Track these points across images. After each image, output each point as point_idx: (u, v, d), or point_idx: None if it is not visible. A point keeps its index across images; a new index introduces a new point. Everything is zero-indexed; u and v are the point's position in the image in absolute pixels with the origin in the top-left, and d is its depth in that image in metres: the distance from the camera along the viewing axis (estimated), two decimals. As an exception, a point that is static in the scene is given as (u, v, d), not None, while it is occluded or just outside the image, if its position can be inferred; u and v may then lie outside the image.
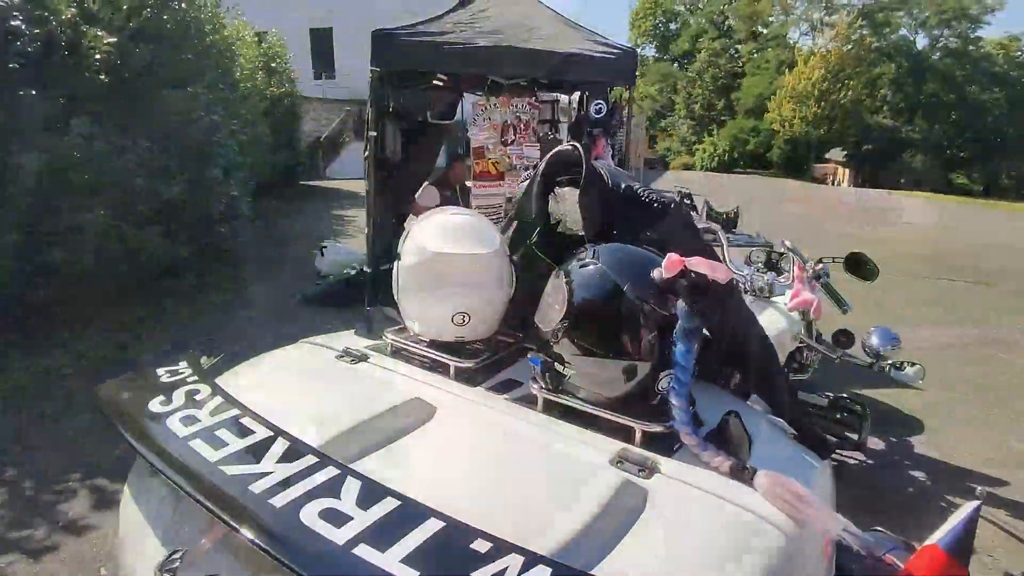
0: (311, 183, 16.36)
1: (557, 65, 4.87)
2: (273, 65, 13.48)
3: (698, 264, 1.01)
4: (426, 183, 5.93)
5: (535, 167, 1.53)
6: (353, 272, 5.91)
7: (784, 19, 41.31)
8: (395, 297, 1.46)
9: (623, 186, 1.36)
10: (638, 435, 1.07)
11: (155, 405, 1.12)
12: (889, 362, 2.68)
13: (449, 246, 1.31)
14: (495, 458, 1.03)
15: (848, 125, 36.21)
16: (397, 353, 1.45)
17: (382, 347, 1.50)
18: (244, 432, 1.03)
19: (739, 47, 42.93)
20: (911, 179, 36.06)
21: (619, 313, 1.08)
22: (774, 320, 2.87)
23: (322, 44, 24.02)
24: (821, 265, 2.67)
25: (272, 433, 1.01)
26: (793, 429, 1.28)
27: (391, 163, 5.69)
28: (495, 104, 5.03)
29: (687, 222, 1.37)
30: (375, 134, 4.83)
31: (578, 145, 1.39)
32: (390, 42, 4.66)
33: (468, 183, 5.30)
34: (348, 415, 1.11)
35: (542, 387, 1.18)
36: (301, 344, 1.60)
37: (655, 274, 1.08)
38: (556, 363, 1.16)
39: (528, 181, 1.54)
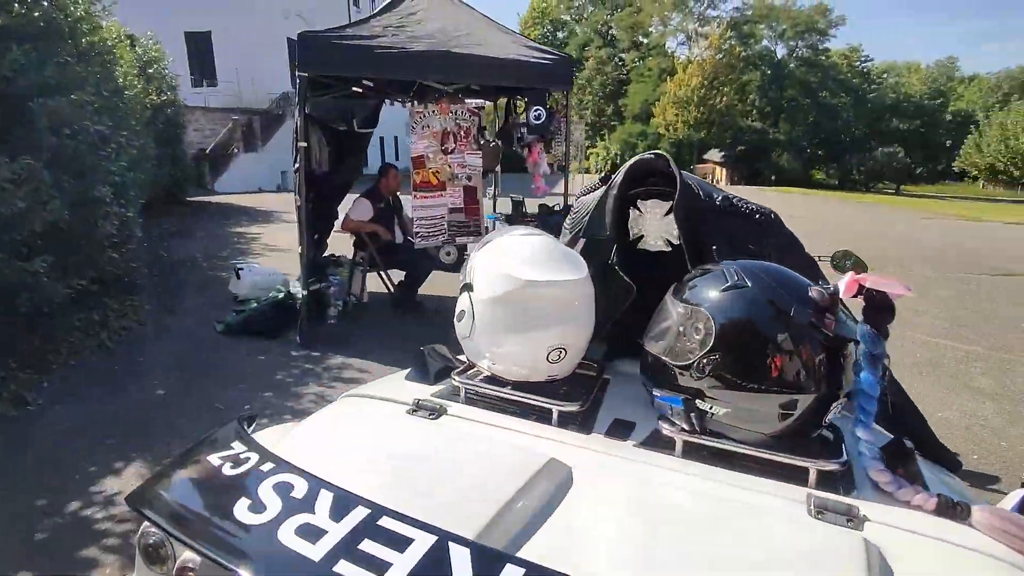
0: (199, 199, 15.04)
1: (496, 71, 4.75)
2: (151, 71, 12.23)
3: (878, 282, 0.93)
4: (357, 196, 5.58)
5: (606, 178, 1.39)
6: (281, 295, 5.42)
7: (662, 30, 44.00)
8: (461, 334, 1.25)
9: (718, 197, 1.26)
10: (813, 476, 0.96)
11: (228, 504, 0.87)
12: None
13: (542, 272, 1.14)
14: (677, 523, 0.87)
15: (724, 128, 39.20)
16: (475, 400, 1.24)
17: (448, 393, 1.29)
18: (370, 528, 0.80)
19: (623, 56, 45.17)
20: (780, 176, 39.69)
21: (785, 340, 0.97)
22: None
23: (200, 48, 22.25)
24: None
25: (407, 525, 0.79)
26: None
27: (315, 175, 5.30)
28: (433, 111, 4.81)
29: (789, 233, 1.29)
30: (305, 144, 4.44)
31: (663, 153, 1.27)
32: (318, 46, 4.32)
33: (412, 194, 5.03)
34: (488, 491, 0.91)
35: (683, 429, 1.04)
36: (352, 399, 1.33)
37: (814, 294, 0.98)
38: (696, 400, 1.03)
39: (595, 193, 1.39)
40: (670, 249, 1.34)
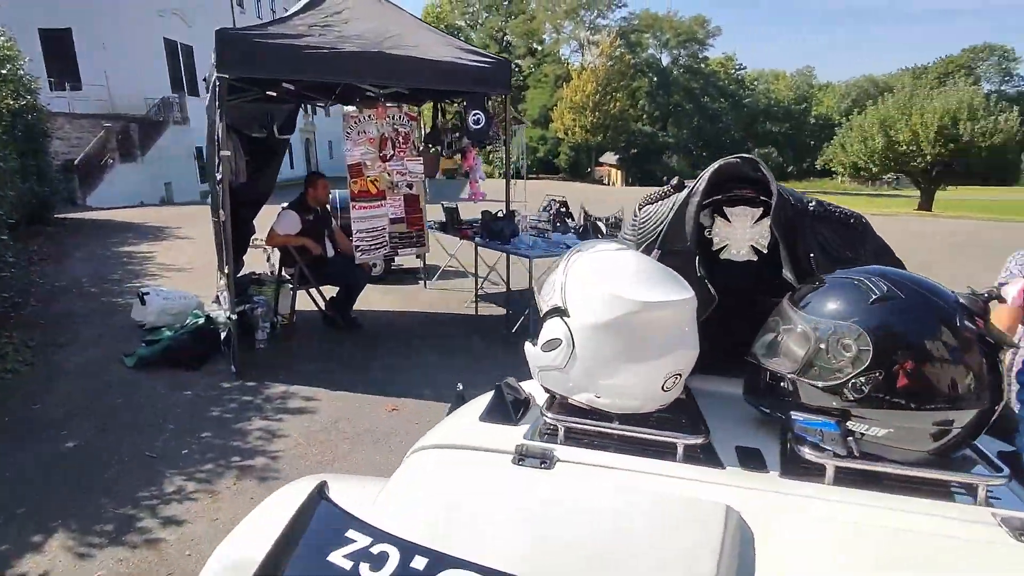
0: (71, 216, 13.40)
1: (434, 74, 4.56)
2: (5, 71, 10.70)
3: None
4: (282, 207, 5.15)
5: (679, 185, 1.29)
6: (200, 320, 4.87)
7: (556, 37, 45.26)
8: (551, 366, 1.10)
9: (810, 202, 1.20)
10: (982, 493, 0.92)
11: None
12: None
13: (655, 292, 1.02)
14: (897, 569, 0.78)
15: (619, 132, 41.00)
16: (577, 440, 1.09)
17: (538, 434, 1.12)
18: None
19: (519, 62, 45.95)
20: (671, 177, 42.13)
21: (954, 352, 0.92)
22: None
23: (59, 48, 19.92)
24: None
25: None
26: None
27: (231, 186, 4.83)
28: (370, 116, 4.53)
29: (879, 237, 1.26)
30: (228, 153, 4.02)
31: (751, 156, 1.19)
32: (240, 45, 3.93)
33: (351, 204, 4.70)
34: (679, 560, 0.77)
35: (834, 454, 0.96)
36: (431, 452, 1.12)
37: (966, 301, 0.94)
38: (848, 422, 0.96)
39: (667, 201, 1.29)
40: (756, 259, 1.27)
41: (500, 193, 7.01)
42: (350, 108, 4.64)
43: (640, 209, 1.35)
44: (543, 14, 44.60)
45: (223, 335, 4.71)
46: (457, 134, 5.38)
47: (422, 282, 7.43)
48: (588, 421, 1.10)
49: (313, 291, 5.29)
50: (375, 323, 5.66)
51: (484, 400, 1.55)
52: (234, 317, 4.27)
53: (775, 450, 1.06)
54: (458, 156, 5.69)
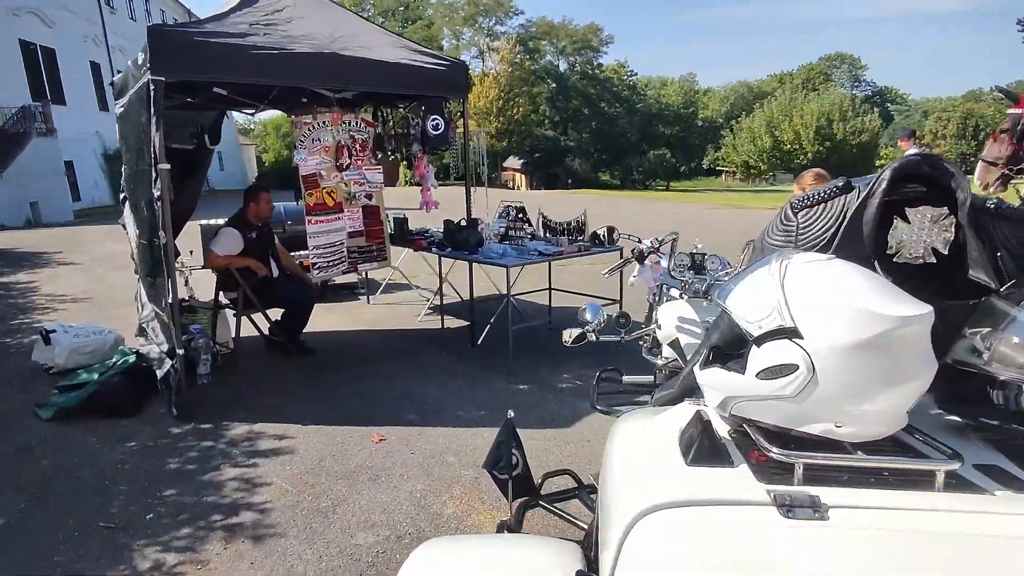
0: (-82, 244, 11.50)
1: (391, 78, 4.29)
2: None
3: None
4: (223, 225, 4.65)
5: (846, 186, 1.19)
6: (131, 359, 4.23)
7: (455, 44, 45.13)
8: (779, 395, 0.96)
9: (989, 201, 1.15)
10: None
11: None
12: None
13: (903, 306, 0.91)
14: None
15: (522, 137, 41.57)
16: (817, 477, 0.95)
17: (764, 472, 0.97)
18: None
19: (418, 68, 45.28)
20: (573, 180, 43.32)
21: None
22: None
23: None
24: None
25: None
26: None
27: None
28: (324, 123, 4.17)
29: None
30: (168, 167, 3.54)
31: (932, 154, 1.12)
32: (178, 44, 3.48)
33: (306, 219, 4.28)
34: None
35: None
36: (673, 514, 0.91)
37: None
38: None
39: (836, 202, 1.19)
40: (935, 261, 1.21)
41: (452, 202, 6.77)
42: (306, 117, 4.23)
43: (796, 212, 1.25)
44: (441, 20, 44.37)
45: (160, 373, 4.13)
46: (407, 141, 5.10)
47: (364, 297, 7.02)
48: (834, 455, 0.97)
49: (263, 315, 4.79)
50: (327, 345, 5.24)
51: (629, 434, 1.39)
52: (181, 352, 3.74)
53: (1011, 464, 1.00)
54: (405, 164, 5.41)
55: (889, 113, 56.92)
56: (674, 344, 3.16)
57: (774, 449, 0.98)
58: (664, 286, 3.75)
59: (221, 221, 7.33)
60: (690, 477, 1.01)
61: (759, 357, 0.99)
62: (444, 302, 6.41)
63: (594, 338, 3.21)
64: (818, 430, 0.99)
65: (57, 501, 2.92)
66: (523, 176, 42.97)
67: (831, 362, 0.93)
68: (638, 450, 1.22)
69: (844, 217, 1.18)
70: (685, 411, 1.26)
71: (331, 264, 4.40)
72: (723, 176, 48.22)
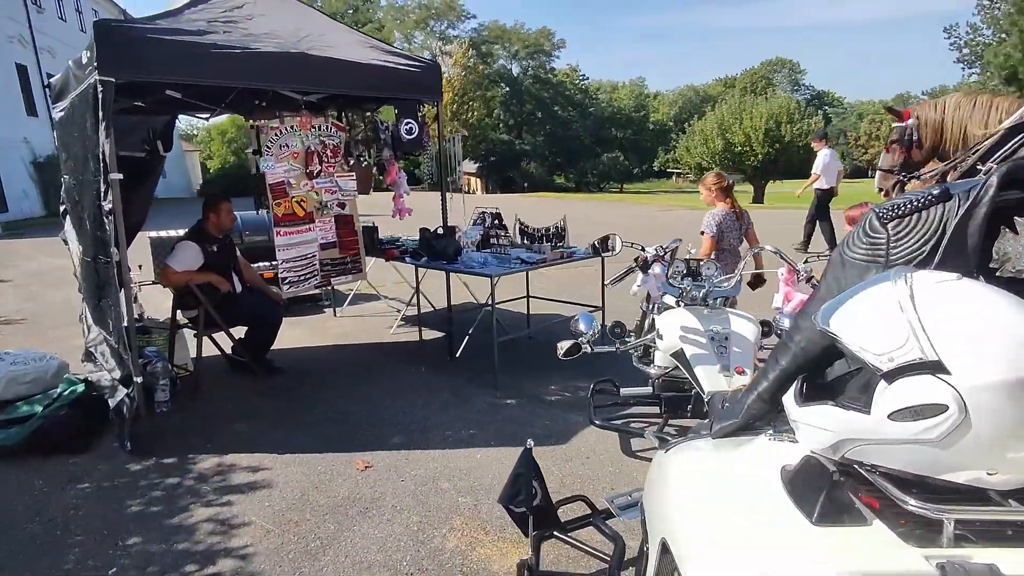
0: None
1: (364, 79, 4.06)
2: None
3: None
4: (180, 238, 4.30)
5: (944, 194, 1.07)
6: (79, 388, 3.84)
7: (407, 47, 44.58)
8: (919, 437, 0.82)
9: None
10: None
11: None
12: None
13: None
14: None
15: (478, 141, 41.42)
16: (982, 535, 0.81)
17: (910, 533, 0.83)
18: None
19: (370, 71, 44.58)
20: (529, 183, 43.45)
21: None
22: (746, 329, 2.90)
23: None
24: (808, 264, 2.78)
25: None
26: None
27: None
28: (293, 128, 3.89)
29: None
30: (120, 177, 3.22)
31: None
32: (131, 42, 3.17)
33: (275, 230, 3.98)
34: None
35: None
36: None
37: None
38: None
39: (935, 211, 1.07)
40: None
41: (425, 209, 6.50)
42: (273, 121, 3.93)
43: (884, 223, 1.13)
44: (392, 24, 43.77)
45: (113, 403, 3.76)
46: (377, 145, 4.86)
47: (330, 310, 6.70)
48: (989, 508, 0.84)
49: (226, 335, 4.46)
50: (295, 363, 4.93)
51: (698, 475, 1.24)
52: (139, 379, 3.40)
53: None
54: (375, 169, 5.17)
55: (827, 116, 59.49)
56: (677, 354, 3.06)
57: (913, 502, 0.85)
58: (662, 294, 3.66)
59: (172, 233, 6.91)
60: (822, 541, 0.86)
61: (892, 395, 0.85)
62: (412, 312, 6.18)
63: (589, 350, 3.08)
64: (965, 478, 0.86)
65: (1, 556, 2.57)
66: (478, 180, 42.81)
67: (987, 402, 0.80)
68: (723, 497, 1.07)
69: (944, 228, 1.06)
70: (770, 450, 1.13)
71: (302, 278, 4.11)
72: (673, 177, 49.34)
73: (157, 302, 6.24)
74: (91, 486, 3.14)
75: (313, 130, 4.00)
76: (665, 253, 3.27)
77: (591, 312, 4.89)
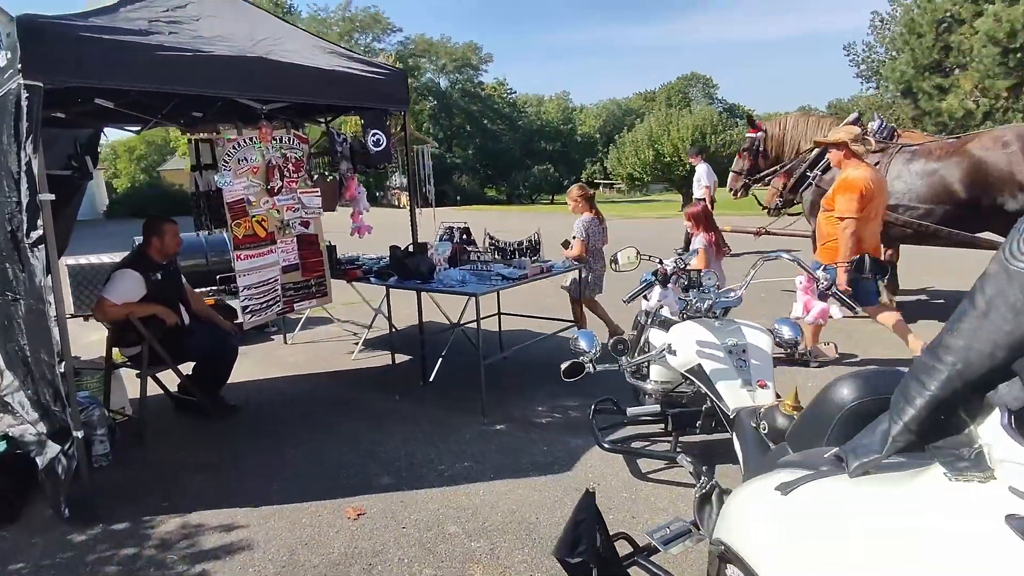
0: None
1: (328, 87, 3.76)
2: None
3: None
4: (119, 267, 3.80)
5: None
6: (1, 446, 3.25)
7: (329, 59, 43.48)
8: None
9: None
10: None
11: None
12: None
13: None
14: None
15: (404, 154, 40.85)
16: None
17: None
18: None
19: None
20: (463, 196, 43.27)
21: None
22: (761, 340, 2.81)
23: None
24: (827, 273, 2.72)
25: None
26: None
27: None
28: (252, 139, 3.50)
29: None
30: (53, 198, 2.77)
31: None
32: (61, 40, 2.76)
33: (234, 254, 3.55)
34: None
35: None
36: None
37: None
38: None
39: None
40: None
41: (388, 226, 6.14)
42: (230, 132, 3.52)
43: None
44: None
45: (43, 462, 3.23)
46: (334, 158, 4.52)
47: (279, 337, 6.20)
48: None
49: (175, 372, 3.96)
50: (251, 400, 4.48)
51: (847, 530, 1.07)
52: (79, 435, 2.91)
53: None
54: (330, 180, 4.82)
55: (739, 128, 62.96)
56: (694, 370, 2.93)
57: None
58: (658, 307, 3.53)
59: (95, 259, 6.20)
60: None
61: None
62: (372, 335, 5.81)
63: (592, 369, 2.90)
64: None
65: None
66: (405, 194, 42.14)
67: None
68: (922, 556, 0.91)
69: None
70: (971, 494, 0.97)
71: (264, 305, 3.70)
72: (601, 188, 50.65)
73: (82, 338, 5.56)
74: (27, 567, 2.62)
75: (274, 142, 3.62)
76: (685, 266, 3.16)
77: (564, 328, 4.72)
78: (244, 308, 3.70)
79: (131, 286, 3.68)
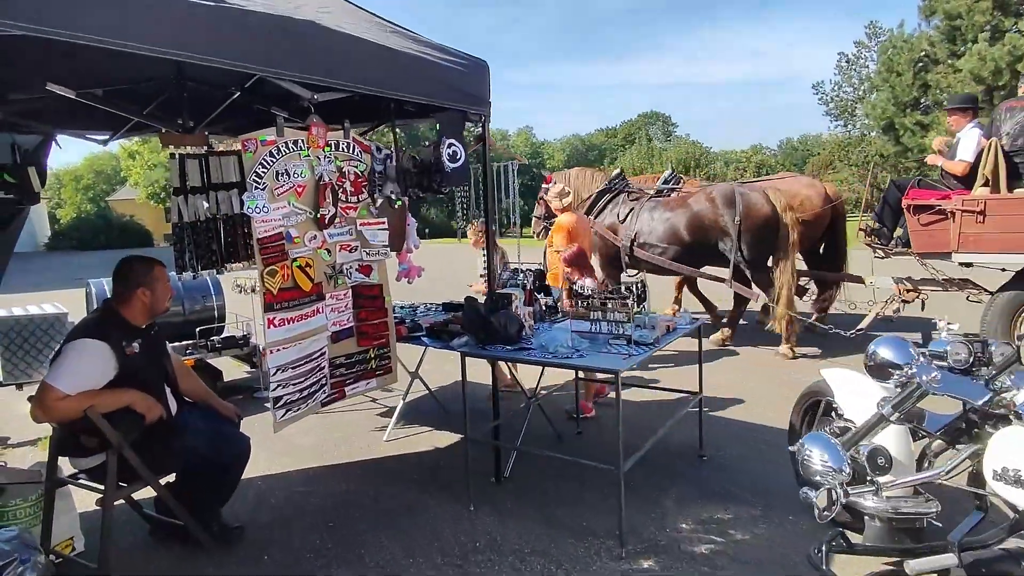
0: None
1: (401, 73, 2.62)
2: None
3: None
4: (74, 336, 2.50)
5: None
6: None
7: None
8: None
9: None
10: None
11: None
12: None
13: None
14: None
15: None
16: None
17: None
18: None
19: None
20: (430, 230, 42.15)
21: None
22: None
23: None
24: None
25: None
26: None
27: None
28: (297, 145, 2.30)
29: None
30: None
31: None
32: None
33: (265, 317, 2.29)
34: None
35: None
36: None
37: None
38: None
39: None
40: None
41: (435, 264, 4.90)
42: (268, 134, 2.28)
43: None
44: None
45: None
46: (407, 176, 3.33)
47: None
48: None
49: (154, 488, 2.65)
50: (255, 509, 3.19)
51: None
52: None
53: None
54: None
55: (699, 162, 64.48)
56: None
57: None
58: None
59: (35, 310, 4.79)
60: None
61: None
62: (410, 399, 4.55)
63: (843, 498, 1.94)
64: None
65: None
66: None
67: None
68: None
69: None
70: None
71: (305, 393, 2.45)
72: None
73: (11, 409, 4.13)
74: None
75: (328, 149, 2.43)
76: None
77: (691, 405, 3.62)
78: (276, 400, 2.44)
79: (93, 367, 2.39)
